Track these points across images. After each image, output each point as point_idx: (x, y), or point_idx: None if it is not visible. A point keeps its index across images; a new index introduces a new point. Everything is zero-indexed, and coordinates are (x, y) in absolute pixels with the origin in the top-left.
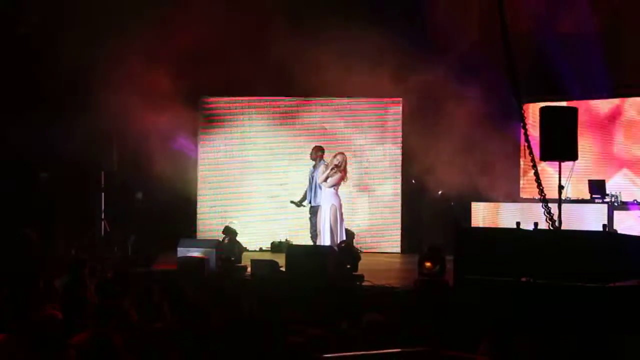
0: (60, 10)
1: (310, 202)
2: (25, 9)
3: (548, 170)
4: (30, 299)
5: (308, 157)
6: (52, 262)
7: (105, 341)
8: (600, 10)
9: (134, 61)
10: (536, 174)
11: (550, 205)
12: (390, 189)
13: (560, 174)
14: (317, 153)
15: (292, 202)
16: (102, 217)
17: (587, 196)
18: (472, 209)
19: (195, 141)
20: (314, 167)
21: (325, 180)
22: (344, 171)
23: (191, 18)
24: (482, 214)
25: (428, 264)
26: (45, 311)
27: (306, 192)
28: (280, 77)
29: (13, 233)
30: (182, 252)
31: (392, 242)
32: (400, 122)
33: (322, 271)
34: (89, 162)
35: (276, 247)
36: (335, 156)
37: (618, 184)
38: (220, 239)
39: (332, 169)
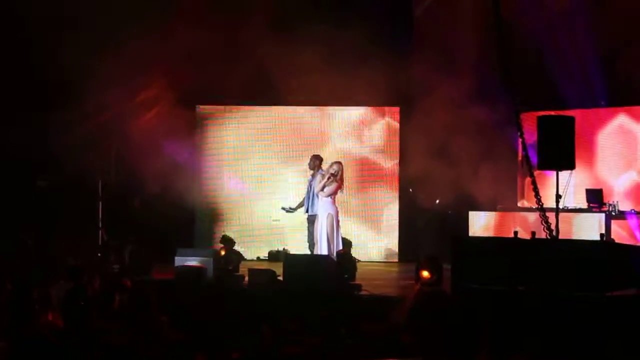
0: (60, 22)
1: (307, 211)
2: (25, 14)
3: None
4: (26, 306)
5: (305, 165)
6: (49, 270)
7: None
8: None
9: (131, 70)
10: (534, 183)
11: (547, 214)
12: (388, 198)
13: (557, 183)
14: (315, 162)
15: (283, 208)
16: (100, 225)
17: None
18: (470, 218)
19: (192, 149)
20: (312, 176)
21: (322, 189)
22: (341, 180)
23: (188, 27)
24: (479, 223)
25: (425, 274)
26: (45, 319)
27: (304, 200)
28: (278, 86)
29: (10, 239)
30: (179, 261)
31: (389, 250)
32: (397, 130)
33: (320, 280)
34: (86, 170)
35: (274, 256)
36: (331, 165)
37: None
38: (218, 249)
39: (328, 178)
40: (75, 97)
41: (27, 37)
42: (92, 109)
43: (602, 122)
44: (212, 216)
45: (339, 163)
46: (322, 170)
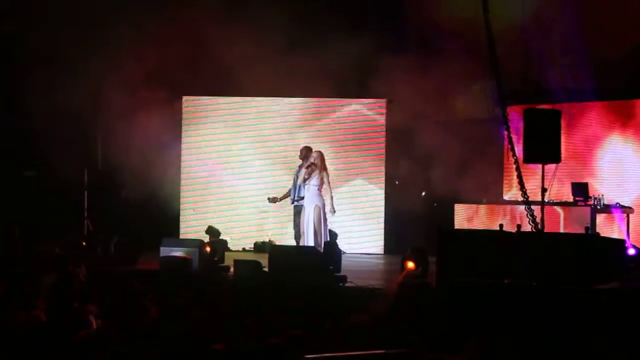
0: (45, 11)
1: (293, 202)
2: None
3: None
4: (14, 297)
5: (290, 157)
6: (38, 260)
7: (105, 337)
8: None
9: (117, 61)
10: (519, 176)
11: (533, 207)
12: (374, 190)
13: (543, 176)
14: (307, 153)
15: (268, 198)
16: (86, 216)
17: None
18: (455, 211)
19: (178, 140)
20: (300, 167)
21: (304, 181)
22: (323, 167)
23: (174, 17)
24: (465, 216)
25: (411, 265)
26: (28, 313)
27: (290, 190)
28: (264, 77)
29: None
30: (165, 251)
31: (375, 243)
32: (384, 122)
33: (305, 272)
34: (73, 161)
35: (259, 247)
36: (311, 155)
37: None
38: (203, 239)
39: (308, 167)
40: (60, 88)
41: (11, 29)
42: (76, 100)
43: None
44: (197, 207)
45: (318, 151)
46: (306, 161)
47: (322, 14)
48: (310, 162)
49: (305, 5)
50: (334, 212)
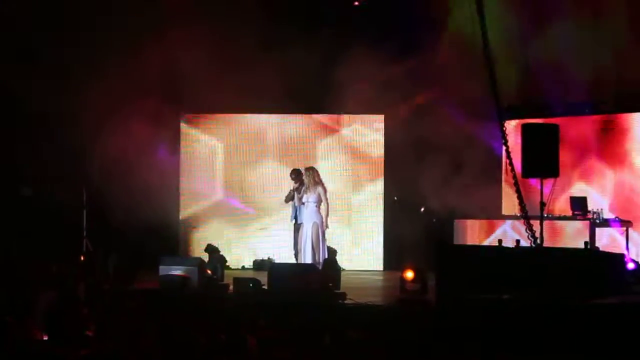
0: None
1: (296, 220)
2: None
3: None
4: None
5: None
6: (37, 278)
7: (104, 356)
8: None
9: (115, 79)
10: (518, 191)
11: (532, 222)
12: (372, 206)
13: (542, 191)
14: (297, 176)
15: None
16: (84, 234)
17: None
18: (455, 226)
19: (176, 157)
20: (294, 190)
21: (300, 200)
22: (315, 183)
23: (172, 37)
24: (464, 231)
25: (410, 275)
26: (26, 331)
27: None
28: (261, 94)
29: None
30: (164, 270)
31: (374, 259)
32: (382, 138)
33: (304, 289)
34: (71, 178)
35: (259, 265)
36: (305, 175)
37: None
38: (203, 258)
39: (297, 187)
40: (59, 106)
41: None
42: (76, 119)
43: None
44: (196, 224)
45: (307, 169)
46: (304, 184)
47: (323, 32)
48: (306, 182)
49: (307, 23)
50: (327, 227)
